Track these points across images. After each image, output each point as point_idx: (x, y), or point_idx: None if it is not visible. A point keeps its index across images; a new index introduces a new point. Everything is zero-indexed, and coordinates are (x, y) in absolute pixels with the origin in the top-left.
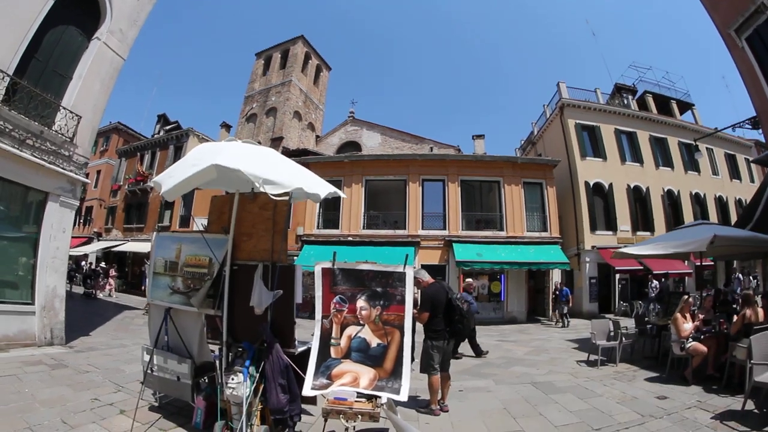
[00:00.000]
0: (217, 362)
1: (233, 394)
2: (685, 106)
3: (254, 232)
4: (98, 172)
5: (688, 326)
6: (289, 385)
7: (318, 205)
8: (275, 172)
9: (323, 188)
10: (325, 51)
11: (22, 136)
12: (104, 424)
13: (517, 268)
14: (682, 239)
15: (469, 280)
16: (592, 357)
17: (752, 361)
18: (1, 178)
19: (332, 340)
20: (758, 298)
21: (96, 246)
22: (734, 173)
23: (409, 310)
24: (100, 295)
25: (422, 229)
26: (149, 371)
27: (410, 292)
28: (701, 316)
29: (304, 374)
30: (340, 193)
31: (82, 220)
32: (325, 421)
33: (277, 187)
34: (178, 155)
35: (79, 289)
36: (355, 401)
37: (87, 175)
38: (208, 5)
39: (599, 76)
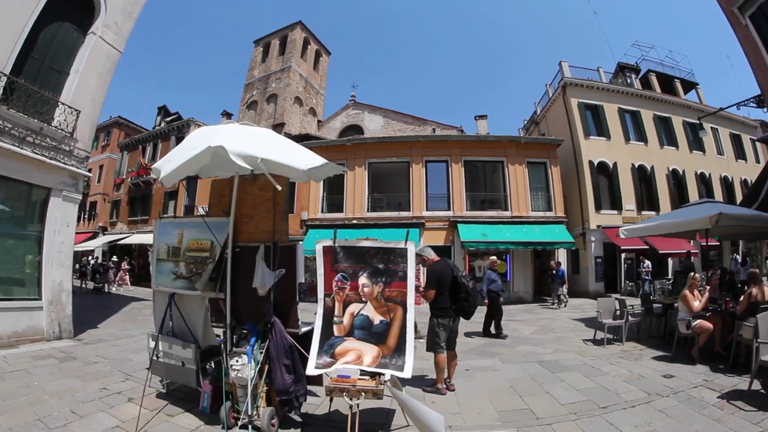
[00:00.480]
0: (222, 345)
1: (238, 376)
2: (688, 86)
3: (255, 214)
4: (101, 166)
5: (697, 303)
6: (293, 366)
7: (322, 189)
8: (274, 151)
9: (326, 167)
10: (324, 36)
11: (21, 133)
12: (112, 412)
13: (523, 248)
14: (687, 217)
15: (494, 257)
16: (599, 336)
17: (759, 340)
18: (2, 176)
19: (335, 318)
20: (765, 278)
21: (101, 240)
22: (739, 153)
23: (411, 286)
24: (113, 289)
25: (426, 210)
26: (155, 358)
27: (412, 268)
28: (709, 291)
29: (309, 354)
30: (341, 169)
31: (86, 216)
32: (331, 400)
33: (275, 166)
34: None
35: (91, 286)
36: (359, 379)
37: (90, 170)
38: None
39: (602, 55)
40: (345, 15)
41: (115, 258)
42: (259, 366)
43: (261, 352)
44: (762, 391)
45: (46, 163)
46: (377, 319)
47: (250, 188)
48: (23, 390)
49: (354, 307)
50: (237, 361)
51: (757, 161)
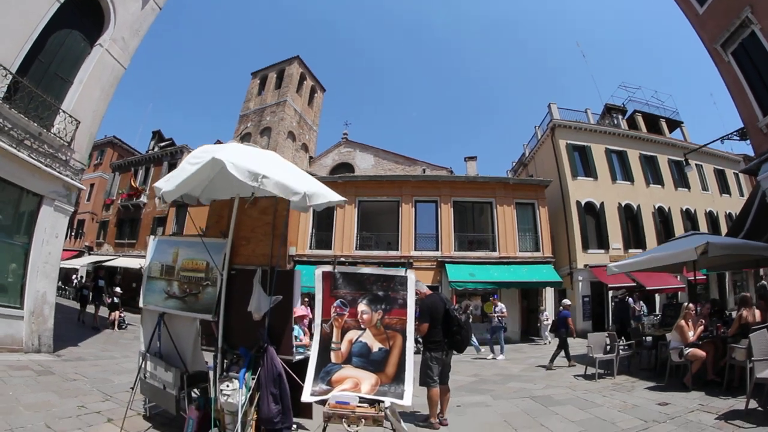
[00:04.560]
0: (211, 372)
1: (228, 402)
2: (673, 124)
3: (253, 237)
4: (92, 185)
5: (692, 333)
6: (281, 395)
7: (311, 225)
8: (276, 171)
9: (328, 194)
10: (318, 72)
11: (20, 135)
12: (90, 431)
13: (510, 288)
14: (675, 250)
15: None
16: (590, 370)
17: (753, 359)
18: None
19: (333, 345)
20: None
21: (87, 260)
22: (724, 188)
23: (411, 313)
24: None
25: (415, 250)
26: (143, 377)
27: (412, 296)
28: (703, 322)
29: (303, 382)
30: (341, 198)
31: (73, 233)
32: (324, 430)
33: (276, 185)
34: None
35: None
36: (358, 406)
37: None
38: (207, 23)
39: (590, 96)
40: (340, 54)
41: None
42: (250, 392)
43: (253, 378)
44: (759, 408)
45: (41, 170)
46: (376, 346)
47: (250, 211)
48: None
49: (352, 334)
50: (228, 386)
51: (741, 194)
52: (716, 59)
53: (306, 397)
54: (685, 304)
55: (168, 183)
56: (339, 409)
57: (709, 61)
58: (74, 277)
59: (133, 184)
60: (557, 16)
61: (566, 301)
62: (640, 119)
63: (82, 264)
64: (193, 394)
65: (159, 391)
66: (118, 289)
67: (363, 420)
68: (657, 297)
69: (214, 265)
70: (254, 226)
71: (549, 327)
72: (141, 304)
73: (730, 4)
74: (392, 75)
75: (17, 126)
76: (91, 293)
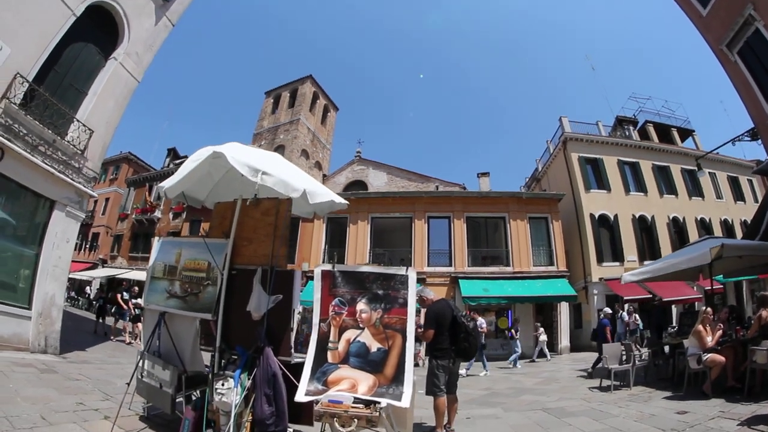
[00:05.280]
0: (209, 370)
1: (222, 401)
2: (685, 133)
3: (255, 237)
4: (107, 199)
5: (710, 339)
6: (275, 396)
7: (323, 241)
8: (280, 171)
9: (329, 194)
10: (331, 91)
11: (35, 141)
12: (85, 426)
13: (525, 303)
14: (689, 255)
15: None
16: (605, 382)
17: None
18: (10, 179)
19: (330, 344)
20: None
21: (101, 272)
22: (738, 195)
23: (411, 313)
24: None
25: (428, 266)
26: (140, 376)
27: (413, 295)
28: (722, 326)
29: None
30: (342, 201)
31: (87, 246)
32: (321, 430)
33: (276, 181)
34: None
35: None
36: (352, 406)
37: (96, 193)
38: (221, 42)
39: (601, 109)
40: (353, 74)
41: None
42: (245, 392)
43: (249, 378)
44: None
45: (54, 175)
46: (375, 346)
47: (252, 212)
48: None
49: (350, 334)
50: (222, 384)
51: (756, 200)
52: (723, 60)
53: (300, 396)
54: (703, 308)
55: (170, 180)
56: (331, 408)
57: (717, 66)
58: (88, 288)
59: (147, 199)
60: (567, 28)
61: (607, 310)
62: (651, 130)
63: (95, 276)
64: (193, 396)
65: (155, 390)
66: (140, 301)
67: (356, 420)
68: (674, 308)
69: (215, 265)
70: (256, 227)
71: (544, 345)
72: (143, 304)
73: (733, 2)
74: (404, 94)
75: (32, 132)
76: (115, 306)
